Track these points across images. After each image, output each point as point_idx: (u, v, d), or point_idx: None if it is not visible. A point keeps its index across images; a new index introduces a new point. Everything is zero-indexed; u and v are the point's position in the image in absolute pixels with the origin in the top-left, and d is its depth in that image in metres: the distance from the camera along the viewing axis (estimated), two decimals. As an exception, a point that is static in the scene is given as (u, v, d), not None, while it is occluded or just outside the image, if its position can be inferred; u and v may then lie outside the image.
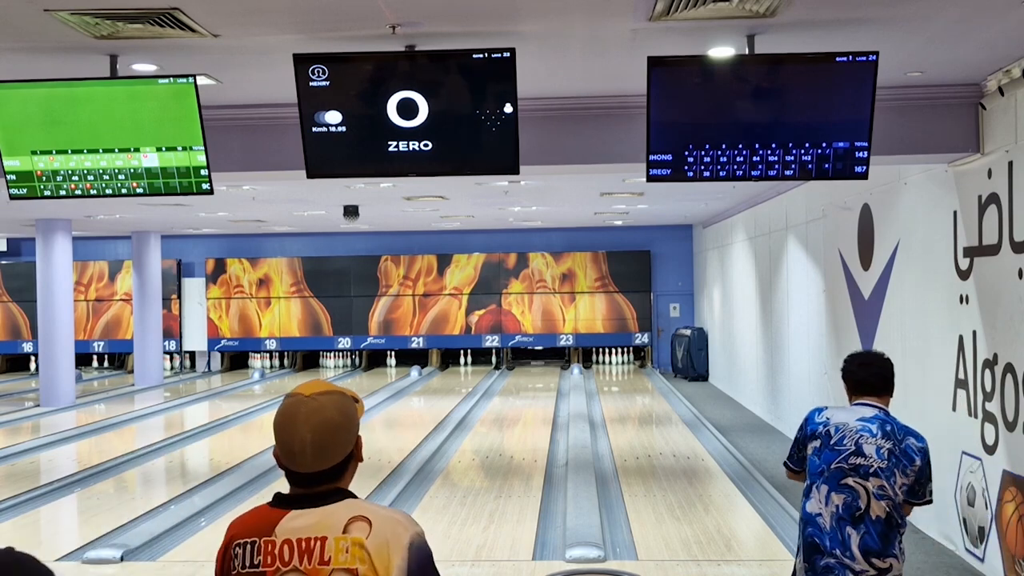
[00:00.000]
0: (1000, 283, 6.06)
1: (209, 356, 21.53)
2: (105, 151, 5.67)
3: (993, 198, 6.16)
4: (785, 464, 4.09)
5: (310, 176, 5.64)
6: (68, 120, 5.60)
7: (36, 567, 1.63)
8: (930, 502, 3.82)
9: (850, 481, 3.68)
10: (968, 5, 4.77)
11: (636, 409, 15.02)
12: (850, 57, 5.15)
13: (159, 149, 5.66)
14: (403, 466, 9.87)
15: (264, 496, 8.45)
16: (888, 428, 3.73)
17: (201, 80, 5.89)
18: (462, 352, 21.64)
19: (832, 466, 3.72)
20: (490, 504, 8.36)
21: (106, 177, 5.73)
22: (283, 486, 2.29)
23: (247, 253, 21.18)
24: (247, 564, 2.17)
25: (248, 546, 2.18)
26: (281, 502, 2.24)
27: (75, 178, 5.74)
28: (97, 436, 12.74)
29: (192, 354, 21.73)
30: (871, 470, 3.66)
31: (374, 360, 21.63)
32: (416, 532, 2.20)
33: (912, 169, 7.46)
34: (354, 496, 2.26)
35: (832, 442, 3.74)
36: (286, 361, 21.77)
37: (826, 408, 3.91)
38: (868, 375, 3.89)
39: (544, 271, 20.84)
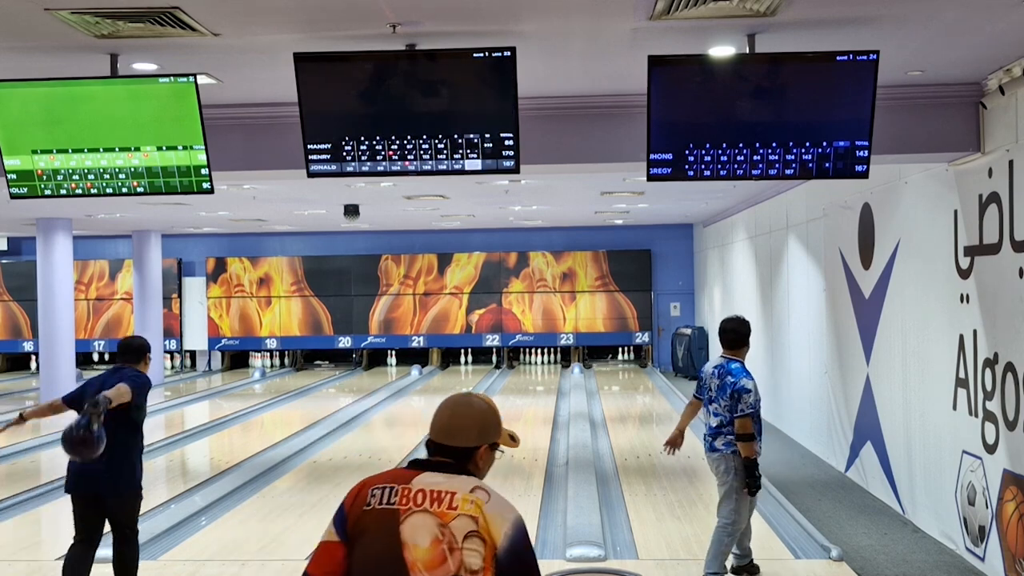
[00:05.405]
0: (1000, 282, 6.05)
1: (210, 355, 21.53)
2: (105, 150, 5.67)
3: (994, 197, 6.16)
4: (694, 396, 6.27)
5: (310, 175, 5.64)
6: (69, 119, 5.60)
7: None
8: (747, 414, 5.80)
9: (709, 406, 6.03)
10: (968, 4, 4.77)
11: (636, 408, 15.03)
12: (850, 56, 5.15)
13: (159, 148, 5.66)
14: (404, 465, 9.86)
15: (265, 495, 8.58)
16: (720, 372, 5.98)
17: (201, 79, 5.89)
18: (462, 351, 21.63)
19: (703, 396, 6.12)
20: (490, 503, 8.35)
21: (106, 176, 5.73)
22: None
23: (248, 252, 21.18)
24: (383, 501, 2.59)
25: (387, 489, 2.61)
26: (417, 465, 2.67)
27: (75, 177, 5.74)
28: (98, 435, 12.72)
29: (193, 353, 21.73)
30: (711, 397, 6.01)
31: (375, 359, 21.63)
32: (519, 515, 2.59)
33: (913, 168, 7.45)
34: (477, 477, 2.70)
35: (702, 383, 6.16)
36: (287, 360, 21.78)
37: (707, 362, 6.41)
38: (721, 336, 6.14)
39: (545, 270, 20.83)
